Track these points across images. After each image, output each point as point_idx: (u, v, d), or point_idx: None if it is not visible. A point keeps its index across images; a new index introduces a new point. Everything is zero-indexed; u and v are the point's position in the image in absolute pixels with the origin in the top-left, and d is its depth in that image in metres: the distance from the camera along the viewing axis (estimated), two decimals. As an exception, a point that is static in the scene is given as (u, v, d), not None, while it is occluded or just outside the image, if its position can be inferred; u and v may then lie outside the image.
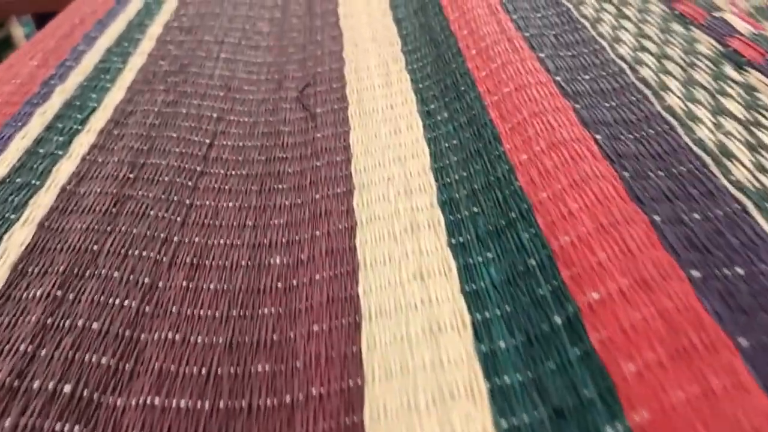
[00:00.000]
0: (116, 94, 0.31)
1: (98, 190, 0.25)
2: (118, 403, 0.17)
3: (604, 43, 0.28)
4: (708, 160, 0.20)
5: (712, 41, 0.27)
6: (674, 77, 0.24)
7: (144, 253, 0.22)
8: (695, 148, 0.21)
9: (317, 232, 0.23)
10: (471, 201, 0.22)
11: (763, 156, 0.20)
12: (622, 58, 0.27)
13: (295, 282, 0.21)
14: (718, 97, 0.23)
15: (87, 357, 0.18)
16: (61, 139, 0.28)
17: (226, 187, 0.26)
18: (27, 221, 0.23)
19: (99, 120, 0.29)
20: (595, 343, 0.16)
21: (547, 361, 0.16)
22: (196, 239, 0.23)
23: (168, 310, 0.20)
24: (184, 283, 0.21)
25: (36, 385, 0.17)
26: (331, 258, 0.22)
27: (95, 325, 0.19)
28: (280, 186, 0.26)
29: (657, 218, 0.18)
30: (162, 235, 0.23)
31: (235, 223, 0.24)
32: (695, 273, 0.16)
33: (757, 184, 0.19)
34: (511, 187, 0.22)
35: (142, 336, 0.19)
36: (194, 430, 0.17)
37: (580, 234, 0.18)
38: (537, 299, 0.18)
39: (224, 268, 0.22)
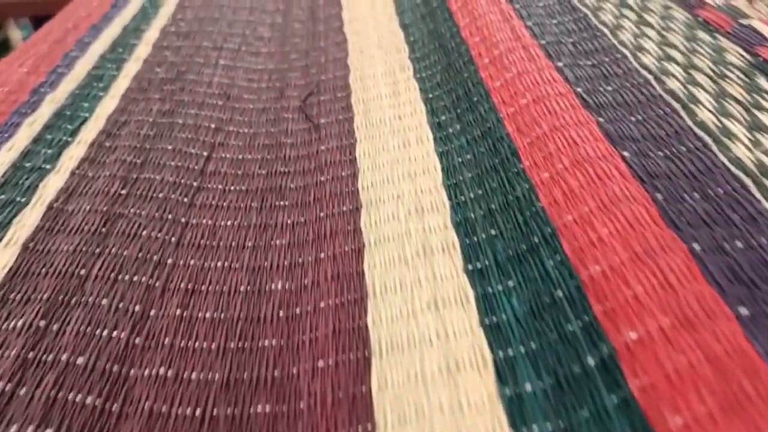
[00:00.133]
0: (109, 103, 0.30)
1: (87, 207, 0.23)
2: (103, 451, 0.16)
3: (626, 52, 0.26)
4: (748, 181, 0.19)
5: (740, 50, 0.25)
6: (704, 89, 0.23)
7: (135, 278, 0.20)
8: (733, 168, 0.19)
9: (322, 255, 0.21)
10: (488, 222, 0.21)
11: (806, 176, 0.19)
12: (646, 67, 0.25)
13: (298, 310, 0.19)
14: (754, 111, 0.21)
15: (71, 396, 0.17)
16: (49, 151, 0.26)
17: (224, 204, 0.24)
18: (10, 242, 0.22)
19: (90, 131, 0.28)
20: (634, 390, 0.14)
21: (580, 408, 0.14)
22: (192, 262, 0.21)
23: (160, 342, 0.18)
24: (178, 312, 0.19)
25: (14, 430, 0.16)
26: (336, 284, 0.20)
27: (80, 360, 0.18)
28: (281, 203, 0.24)
29: (696, 246, 0.17)
30: (155, 257, 0.21)
31: (233, 244, 0.22)
32: (743, 310, 0.15)
33: (802, 208, 0.18)
34: (532, 208, 0.20)
35: (132, 372, 0.18)
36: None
37: (612, 263, 0.17)
38: (566, 336, 0.16)
39: (221, 294, 0.20)
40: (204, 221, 0.23)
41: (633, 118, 0.22)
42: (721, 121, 0.21)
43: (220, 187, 0.25)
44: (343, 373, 0.17)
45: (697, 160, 0.20)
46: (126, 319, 0.19)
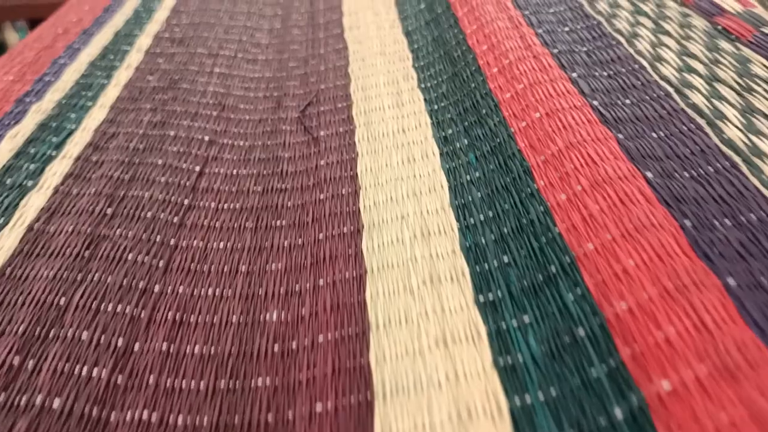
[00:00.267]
0: (98, 114, 0.28)
1: (70, 229, 0.22)
2: None
3: (644, 62, 0.25)
4: (784, 206, 0.17)
5: (765, 61, 0.24)
6: (730, 104, 0.21)
7: (119, 308, 0.19)
8: (766, 192, 0.18)
9: (320, 281, 0.20)
10: (500, 248, 0.19)
11: None
12: (666, 79, 0.23)
13: (294, 344, 0.18)
14: (786, 128, 0.20)
15: (44, 445, 0.15)
16: (32, 167, 0.25)
17: (217, 224, 0.23)
18: (-15, 267, 0.20)
19: (76, 144, 0.26)
20: (670, 450, 0.12)
21: (608, 469, 0.13)
22: (180, 289, 0.20)
23: (144, 380, 0.17)
24: (164, 347, 0.18)
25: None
26: (336, 315, 0.18)
27: (56, 403, 0.16)
28: (278, 222, 0.23)
29: (732, 282, 0.15)
30: (141, 284, 0.20)
31: (225, 269, 0.21)
32: (789, 357, 0.13)
33: None
34: (548, 233, 0.18)
35: (113, 416, 0.16)
36: None
37: (639, 300, 0.15)
38: (590, 383, 0.14)
39: (212, 325, 0.19)
40: (194, 243, 0.22)
41: (654, 135, 0.21)
42: (750, 140, 0.20)
43: (212, 205, 0.24)
44: (343, 419, 0.16)
45: (726, 183, 0.18)
46: (107, 355, 0.17)
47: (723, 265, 0.16)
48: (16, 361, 0.17)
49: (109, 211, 0.22)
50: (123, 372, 0.17)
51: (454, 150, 0.24)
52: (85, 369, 0.17)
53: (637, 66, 0.25)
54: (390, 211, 0.22)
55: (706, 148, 0.20)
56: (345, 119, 0.28)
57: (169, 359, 0.18)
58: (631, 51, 0.26)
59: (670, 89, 0.23)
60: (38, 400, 0.16)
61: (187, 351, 0.18)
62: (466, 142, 0.24)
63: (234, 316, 0.19)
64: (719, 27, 0.26)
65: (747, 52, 0.24)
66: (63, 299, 0.19)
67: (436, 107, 0.27)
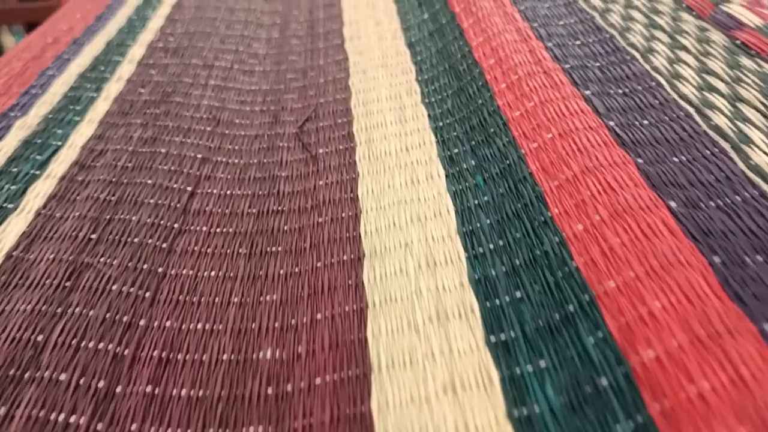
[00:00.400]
0: (85, 129, 0.27)
1: (51, 256, 0.20)
2: None
3: (661, 79, 0.23)
4: (821, 242, 0.16)
5: (789, 78, 0.22)
6: (756, 126, 0.20)
7: (101, 345, 0.17)
8: (801, 225, 0.16)
9: (318, 315, 0.18)
10: (512, 282, 0.18)
11: None
12: (685, 98, 0.22)
13: (289, 387, 0.17)
14: (818, 154, 0.18)
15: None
16: (13, 188, 0.23)
17: (208, 250, 0.21)
18: (-42, 299, 0.19)
19: (62, 163, 0.25)
20: None
21: None
22: (168, 323, 0.18)
23: (126, 429, 0.16)
24: (148, 389, 0.17)
25: None
26: (335, 354, 0.17)
27: (27, 456, 0.15)
28: (273, 248, 0.21)
29: (770, 328, 0.14)
30: (125, 318, 0.18)
31: (216, 300, 0.19)
32: (839, 418, 0.12)
33: None
34: (564, 267, 0.17)
35: (89, 470, 0.15)
36: None
37: (668, 348, 0.14)
38: (615, 442, 0.13)
39: (200, 364, 0.17)
40: (184, 271, 0.20)
41: (676, 159, 0.20)
42: (780, 166, 0.18)
43: (204, 229, 0.22)
44: (343, 477, 0.14)
45: (756, 214, 0.17)
46: (87, 400, 0.16)
47: (757, 307, 0.14)
48: (-13, 406, 0.16)
49: (94, 236, 0.21)
50: (103, 419, 0.16)
51: (461, 171, 0.23)
52: (62, 416, 0.16)
53: (654, 83, 0.23)
54: (393, 237, 0.21)
55: (732, 174, 0.19)
56: (345, 136, 0.26)
57: (153, 404, 0.16)
58: (647, 67, 0.24)
59: (691, 109, 0.22)
60: (8, 452, 0.15)
61: (173, 394, 0.16)
62: (473, 162, 0.23)
63: (225, 354, 0.18)
64: (738, 42, 0.25)
65: (769, 68, 0.23)
66: (41, 336, 0.18)
67: (441, 124, 0.26)
